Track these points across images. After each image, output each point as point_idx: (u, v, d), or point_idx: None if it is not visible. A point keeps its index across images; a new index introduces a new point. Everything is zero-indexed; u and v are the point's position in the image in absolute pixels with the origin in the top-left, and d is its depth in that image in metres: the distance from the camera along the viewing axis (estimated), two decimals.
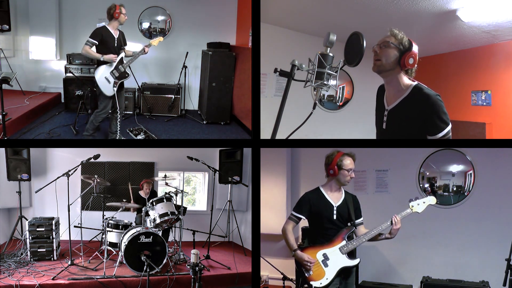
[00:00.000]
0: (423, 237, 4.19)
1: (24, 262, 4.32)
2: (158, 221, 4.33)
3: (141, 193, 4.93)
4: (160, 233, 4.30)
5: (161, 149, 5.71)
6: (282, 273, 3.83)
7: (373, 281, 4.28)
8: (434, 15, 4.47)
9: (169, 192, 4.59)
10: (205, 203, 5.91)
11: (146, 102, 6.30)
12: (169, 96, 6.36)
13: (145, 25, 6.60)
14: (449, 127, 2.21)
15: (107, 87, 4.49)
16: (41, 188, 4.23)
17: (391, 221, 2.74)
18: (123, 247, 4.06)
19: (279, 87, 5.64)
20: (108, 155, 5.42)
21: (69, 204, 4.18)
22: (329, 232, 2.82)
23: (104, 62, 4.46)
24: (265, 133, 3.21)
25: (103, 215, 4.76)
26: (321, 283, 2.73)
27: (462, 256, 4.07)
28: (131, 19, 6.20)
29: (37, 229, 4.45)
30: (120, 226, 4.44)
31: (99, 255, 4.49)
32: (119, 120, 4.66)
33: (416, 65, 2.34)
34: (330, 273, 2.75)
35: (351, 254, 2.82)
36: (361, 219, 2.93)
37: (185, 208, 4.74)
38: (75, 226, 4.44)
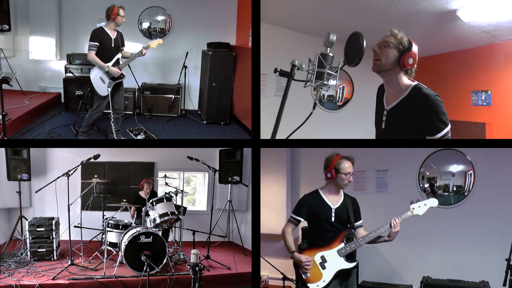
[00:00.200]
0: (423, 237, 4.18)
1: (24, 262, 4.32)
2: (158, 221, 4.33)
3: (141, 193, 4.93)
4: (160, 233, 4.30)
5: (161, 149, 5.71)
6: (282, 273, 3.83)
7: (373, 281, 4.28)
8: (434, 15, 4.46)
9: (169, 192, 4.60)
10: (205, 203, 5.91)
11: (146, 102, 6.29)
12: (169, 96, 6.36)
13: (145, 25, 6.60)
14: (448, 128, 2.21)
15: (102, 87, 4.51)
16: (41, 188, 4.23)
17: (390, 224, 2.71)
18: (123, 247, 4.06)
19: (279, 87, 5.63)
20: (108, 155, 5.42)
21: (69, 204, 4.18)
22: (328, 234, 2.81)
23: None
24: (265, 133, 3.21)
25: (103, 215, 4.77)
26: (318, 286, 2.73)
27: (462, 256, 4.06)
28: (131, 19, 6.22)
29: (37, 229, 4.46)
30: (120, 226, 4.45)
31: (99, 255, 4.49)
32: (113, 120, 4.64)
33: (415, 65, 2.34)
34: (327, 275, 2.74)
35: (350, 256, 2.80)
36: (361, 221, 2.91)
37: (185, 208, 4.74)
38: (75, 226, 4.45)
